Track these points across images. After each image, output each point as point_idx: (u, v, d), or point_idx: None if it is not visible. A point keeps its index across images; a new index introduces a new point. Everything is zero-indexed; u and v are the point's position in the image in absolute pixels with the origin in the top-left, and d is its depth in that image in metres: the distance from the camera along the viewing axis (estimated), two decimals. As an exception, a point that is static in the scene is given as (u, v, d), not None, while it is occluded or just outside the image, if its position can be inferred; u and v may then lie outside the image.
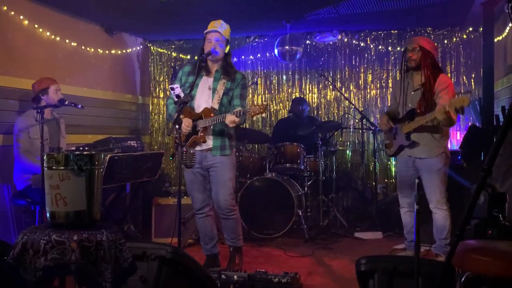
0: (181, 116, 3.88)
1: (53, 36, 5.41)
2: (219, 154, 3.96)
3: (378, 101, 6.90)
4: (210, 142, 3.97)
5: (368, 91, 6.94)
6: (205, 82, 4.02)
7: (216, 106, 3.93)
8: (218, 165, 3.97)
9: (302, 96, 7.03)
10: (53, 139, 4.65)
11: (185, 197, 5.42)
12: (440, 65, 4.27)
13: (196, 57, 7.05)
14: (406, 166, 4.22)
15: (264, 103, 3.81)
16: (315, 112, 7.08)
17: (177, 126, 3.55)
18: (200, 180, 4.07)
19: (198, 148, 3.99)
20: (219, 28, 3.95)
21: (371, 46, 6.84)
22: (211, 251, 4.17)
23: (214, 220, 4.21)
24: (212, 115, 3.87)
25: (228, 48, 4.02)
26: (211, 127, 3.94)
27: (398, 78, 4.37)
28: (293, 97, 7.06)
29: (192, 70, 4.05)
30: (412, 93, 4.16)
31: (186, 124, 3.92)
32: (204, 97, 3.99)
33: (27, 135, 4.41)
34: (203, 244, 4.20)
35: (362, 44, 6.86)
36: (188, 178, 4.10)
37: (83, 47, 5.95)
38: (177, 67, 7.25)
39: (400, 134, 4.19)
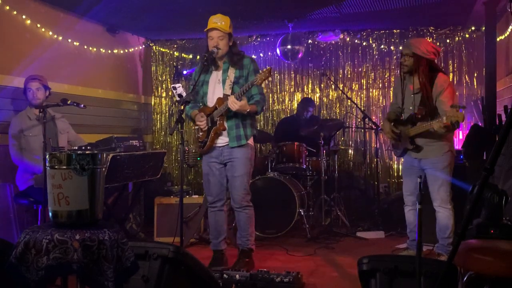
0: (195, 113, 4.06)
1: (55, 36, 5.41)
2: (236, 144, 4.00)
3: (381, 100, 6.89)
4: (226, 136, 4.02)
5: (371, 90, 6.92)
6: (215, 77, 4.09)
7: (229, 93, 3.95)
8: (234, 159, 4.04)
9: (304, 95, 7.02)
10: (50, 138, 4.63)
11: (187, 196, 5.44)
12: (442, 65, 4.24)
13: (198, 57, 7.16)
14: (412, 164, 4.21)
15: (267, 67, 3.84)
16: (317, 111, 7.07)
17: (179, 125, 3.62)
18: (215, 174, 4.13)
19: (217, 144, 4.06)
20: (218, 24, 3.96)
21: (373, 45, 6.82)
22: (217, 247, 4.20)
23: (226, 217, 4.25)
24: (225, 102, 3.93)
25: (232, 39, 4.04)
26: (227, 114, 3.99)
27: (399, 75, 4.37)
28: (295, 96, 7.09)
29: (201, 68, 4.11)
30: (412, 95, 4.14)
31: (199, 120, 4.04)
32: (216, 91, 4.06)
33: (22, 135, 4.41)
34: (211, 238, 4.26)
35: (364, 44, 6.85)
36: (204, 170, 4.19)
37: (85, 47, 5.96)
38: (179, 67, 7.26)
39: (404, 137, 4.18)
